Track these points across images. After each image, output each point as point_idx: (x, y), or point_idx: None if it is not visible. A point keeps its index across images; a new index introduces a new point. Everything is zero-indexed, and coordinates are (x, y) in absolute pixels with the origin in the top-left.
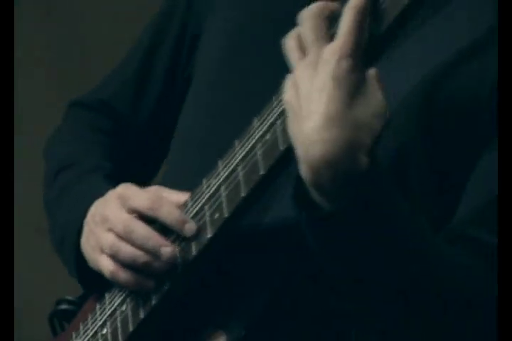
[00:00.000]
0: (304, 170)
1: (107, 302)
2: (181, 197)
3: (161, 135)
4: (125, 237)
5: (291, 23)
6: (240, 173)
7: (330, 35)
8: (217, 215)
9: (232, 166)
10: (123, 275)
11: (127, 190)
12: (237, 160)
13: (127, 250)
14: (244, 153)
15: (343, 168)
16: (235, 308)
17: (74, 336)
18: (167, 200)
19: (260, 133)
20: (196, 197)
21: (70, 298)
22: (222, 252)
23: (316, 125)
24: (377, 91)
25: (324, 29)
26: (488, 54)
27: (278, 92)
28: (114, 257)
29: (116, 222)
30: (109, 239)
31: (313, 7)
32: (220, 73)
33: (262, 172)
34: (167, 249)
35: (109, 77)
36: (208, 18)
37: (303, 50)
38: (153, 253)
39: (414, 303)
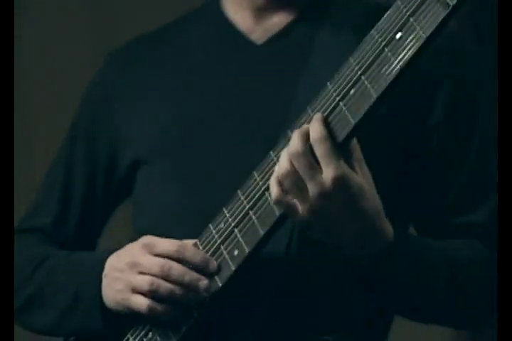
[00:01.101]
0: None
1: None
2: (190, 242)
3: (87, 237)
4: (163, 275)
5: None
6: (253, 217)
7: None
8: (236, 252)
9: (243, 212)
10: (159, 307)
11: (152, 240)
12: (246, 208)
13: (166, 285)
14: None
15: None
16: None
17: None
18: (189, 244)
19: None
20: (207, 240)
21: None
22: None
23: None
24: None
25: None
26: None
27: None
28: (153, 293)
29: (151, 265)
30: (145, 279)
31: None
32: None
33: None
34: (204, 281)
35: (36, 203)
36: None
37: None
38: (190, 286)
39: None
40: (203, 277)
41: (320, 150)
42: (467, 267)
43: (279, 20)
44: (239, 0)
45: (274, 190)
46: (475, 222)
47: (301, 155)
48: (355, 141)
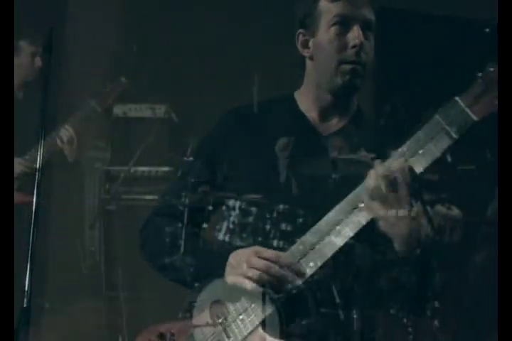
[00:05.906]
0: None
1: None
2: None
3: None
4: (265, 271)
5: None
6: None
7: None
8: (311, 264)
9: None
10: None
11: (259, 248)
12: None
13: (266, 277)
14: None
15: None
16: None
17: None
18: (283, 254)
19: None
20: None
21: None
22: None
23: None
24: None
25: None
26: None
27: None
28: (258, 281)
29: (258, 264)
30: (255, 272)
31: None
32: None
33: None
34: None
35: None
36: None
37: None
38: (278, 278)
39: None
40: (290, 274)
41: (399, 177)
42: None
43: (335, 123)
44: (310, 101)
45: (365, 199)
46: None
47: (383, 177)
48: None
